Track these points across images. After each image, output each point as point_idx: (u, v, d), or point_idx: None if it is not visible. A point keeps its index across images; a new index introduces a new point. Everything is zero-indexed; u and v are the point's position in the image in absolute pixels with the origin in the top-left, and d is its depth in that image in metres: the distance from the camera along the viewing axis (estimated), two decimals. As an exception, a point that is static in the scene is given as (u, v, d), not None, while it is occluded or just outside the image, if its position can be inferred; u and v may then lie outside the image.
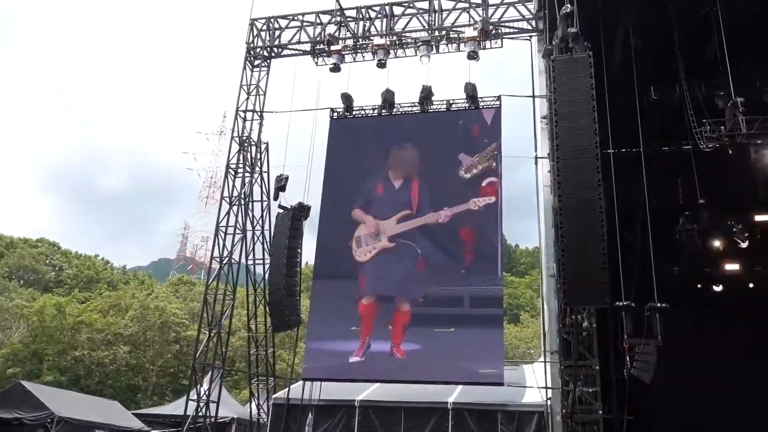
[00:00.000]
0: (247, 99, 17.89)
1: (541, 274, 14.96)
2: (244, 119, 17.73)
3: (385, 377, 14.52)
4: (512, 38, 15.88)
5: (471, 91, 15.58)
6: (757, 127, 11.76)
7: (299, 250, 16.28)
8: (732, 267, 15.95)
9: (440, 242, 14.50)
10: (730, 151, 11.88)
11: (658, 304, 12.74)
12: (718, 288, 16.41)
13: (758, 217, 14.48)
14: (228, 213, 16.99)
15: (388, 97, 16.28)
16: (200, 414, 15.73)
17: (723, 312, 16.17)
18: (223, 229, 16.90)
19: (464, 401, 14.81)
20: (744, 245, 14.73)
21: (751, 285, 16.48)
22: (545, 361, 14.54)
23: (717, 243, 14.90)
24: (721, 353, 15.96)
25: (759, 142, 11.78)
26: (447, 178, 15.13)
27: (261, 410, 17.58)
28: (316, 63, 17.66)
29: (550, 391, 14.31)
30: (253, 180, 17.54)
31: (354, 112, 16.87)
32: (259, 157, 17.71)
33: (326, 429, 15.23)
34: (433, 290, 14.35)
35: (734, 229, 14.51)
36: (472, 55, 15.29)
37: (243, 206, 17.18)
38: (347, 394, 15.41)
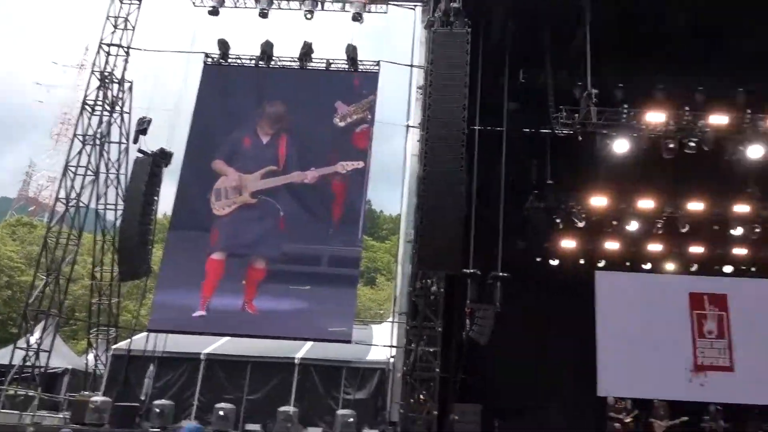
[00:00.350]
0: (113, 32, 16.60)
1: (399, 240, 15.38)
2: (108, 53, 16.46)
3: (233, 331, 14.36)
4: (398, 5, 15.92)
5: (352, 53, 15.57)
6: (605, 118, 12.72)
7: (156, 198, 15.61)
8: (568, 244, 17.41)
9: (305, 202, 14.41)
10: (580, 138, 12.76)
11: (501, 274, 13.65)
12: (555, 262, 17.81)
13: (594, 201, 15.85)
14: (80, 152, 15.79)
15: (267, 49, 15.91)
16: (28, 363, 14.58)
17: (556, 284, 17.61)
18: (73, 169, 15.69)
19: (311, 357, 15.03)
20: (581, 225, 16.13)
21: (581, 261, 18.07)
22: (393, 321, 15.15)
23: (558, 221, 16.13)
24: (552, 322, 17.49)
25: (605, 132, 12.75)
26: (319, 132, 15.02)
27: (99, 361, 16.63)
28: (194, 3, 16.59)
29: (393, 349, 14.98)
30: (112, 120, 16.41)
31: (230, 60, 16.21)
32: (120, 96, 16.57)
33: (168, 381, 14.82)
34: (293, 248, 14.34)
35: (574, 210, 15.82)
36: (357, 17, 15.32)
37: (98, 147, 15.98)
38: (193, 348, 15.05)
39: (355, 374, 15.40)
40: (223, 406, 13.73)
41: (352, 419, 13.73)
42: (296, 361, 14.89)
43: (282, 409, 13.78)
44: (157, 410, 13.59)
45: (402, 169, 14.10)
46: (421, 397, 14.29)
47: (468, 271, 13.75)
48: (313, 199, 14.52)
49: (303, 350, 15.21)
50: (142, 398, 14.45)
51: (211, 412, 13.81)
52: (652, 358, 17.49)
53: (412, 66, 14.70)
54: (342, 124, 14.64)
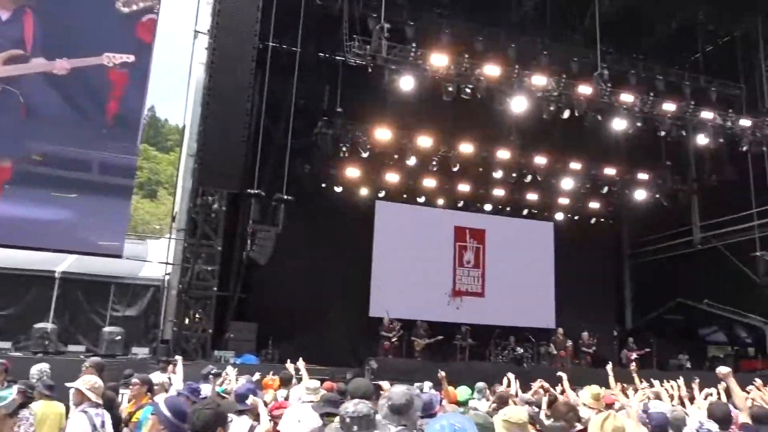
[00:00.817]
0: None
1: (181, 152, 14.65)
2: None
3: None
4: None
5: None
6: (394, 54, 13.19)
7: None
8: (352, 172, 18.08)
9: (70, 97, 12.44)
10: (370, 70, 13.12)
11: (285, 196, 13.78)
12: (339, 189, 18.44)
13: (379, 133, 16.55)
14: None
15: None
16: None
17: (339, 210, 18.31)
18: None
19: (75, 271, 13.93)
20: (365, 155, 16.81)
21: (364, 190, 18.93)
22: (171, 238, 14.62)
23: (344, 149, 16.62)
24: (332, 247, 18.22)
25: (393, 67, 13.26)
26: (86, 14, 12.50)
27: None
28: None
29: (170, 266, 14.53)
30: None
31: None
32: None
33: None
34: (57, 150, 12.48)
35: (360, 140, 16.41)
36: None
37: None
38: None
39: (126, 291, 14.66)
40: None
41: (119, 337, 13.11)
42: (56, 275, 13.72)
43: (38, 325, 12.68)
44: None
45: (188, 78, 13.22)
46: (197, 315, 14.19)
47: (252, 191, 13.66)
48: (80, 93, 12.40)
49: (65, 263, 14.00)
50: None
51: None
52: (419, 284, 19.22)
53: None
54: (126, 10, 12.40)
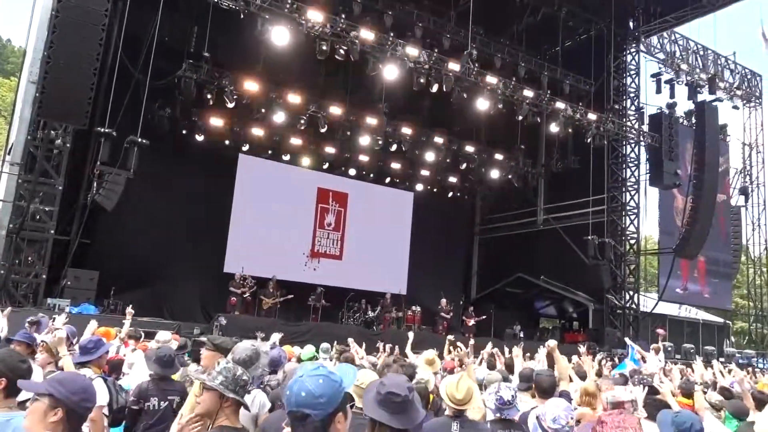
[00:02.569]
0: None
1: (19, 78, 13.20)
2: None
3: None
4: None
5: None
6: (269, 2, 12.70)
7: None
8: (216, 122, 17.35)
9: None
10: (242, 15, 12.57)
11: (139, 139, 12.94)
12: (200, 138, 17.62)
13: (247, 85, 15.96)
14: None
15: None
16: None
17: (199, 160, 17.53)
18: None
19: None
20: (231, 105, 16.16)
21: (227, 141, 18.29)
22: (2, 172, 13.23)
23: (210, 97, 15.84)
24: (189, 197, 17.48)
25: (267, 17, 12.79)
26: None
27: None
28: None
29: (0, 203, 13.18)
30: None
31: None
32: None
33: None
34: None
35: (227, 89, 15.70)
36: None
37: None
38: None
39: (-61, 229, 13.13)
40: None
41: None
42: None
43: None
44: None
45: (33, -2, 11.80)
46: (29, 258, 13.02)
47: (102, 129, 12.68)
48: None
49: None
50: None
51: None
52: (277, 242, 19.06)
53: None
54: None
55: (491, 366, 7.05)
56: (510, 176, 21.88)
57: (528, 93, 17.49)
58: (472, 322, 18.40)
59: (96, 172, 12.98)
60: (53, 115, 11.33)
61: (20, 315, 8.31)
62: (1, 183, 12.93)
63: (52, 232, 13.04)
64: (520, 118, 17.76)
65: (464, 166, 21.26)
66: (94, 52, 10.18)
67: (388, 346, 9.85)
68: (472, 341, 9.14)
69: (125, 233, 16.29)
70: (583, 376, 6.16)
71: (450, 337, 9.73)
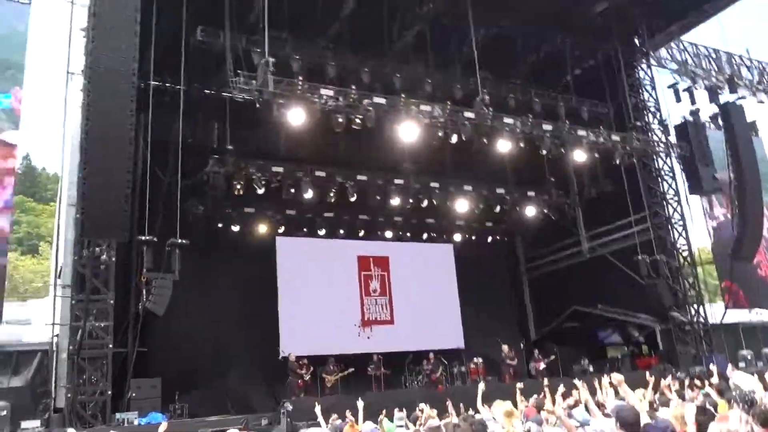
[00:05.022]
0: None
1: (59, 202, 13.74)
2: None
3: None
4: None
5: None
6: (281, 88, 13.17)
7: None
8: (249, 210, 17.75)
9: None
10: (258, 105, 13.00)
11: (179, 240, 13.22)
12: (236, 228, 17.99)
13: (274, 168, 16.41)
14: None
15: None
16: None
17: (238, 250, 17.83)
18: None
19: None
20: (260, 191, 16.55)
21: (262, 227, 18.58)
22: (56, 296, 13.60)
23: (238, 187, 16.27)
24: (234, 289, 17.69)
25: (281, 101, 13.20)
26: None
27: None
28: None
29: (57, 327, 13.48)
30: None
31: None
32: None
33: None
34: None
35: (254, 176, 16.15)
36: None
37: None
38: None
39: (8, 359, 13.48)
40: None
41: (5, 412, 11.98)
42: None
43: None
44: None
45: (63, 122, 12.43)
46: (92, 377, 13.16)
47: (143, 237, 13.03)
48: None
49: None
50: None
51: None
52: (328, 317, 19.02)
53: (73, 2, 12.98)
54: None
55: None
56: (545, 210, 21.63)
57: (547, 126, 17.48)
58: (542, 366, 17.72)
59: (143, 280, 13.23)
60: (95, 234, 11.69)
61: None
62: (58, 307, 13.24)
63: (111, 346, 13.18)
64: (544, 152, 17.69)
65: (498, 209, 21.12)
66: (126, 166, 10.56)
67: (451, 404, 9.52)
68: (546, 381, 8.85)
69: (179, 336, 16.45)
70: (665, 403, 5.85)
71: (519, 384, 9.39)
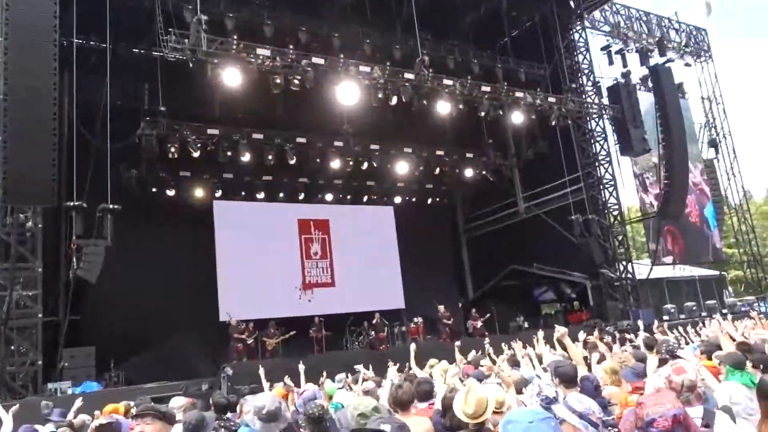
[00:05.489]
0: None
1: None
2: None
3: None
4: None
5: None
6: (215, 47, 12.72)
7: None
8: (184, 173, 17.27)
9: None
10: (191, 65, 12.54)
11: (111, 206, 12.78)
12: (171, 192, 17.49)
13: (210, 130, 15.94)
14: None
15: None
16: None
17: (174, 214, 17.38)
18: None
19: None
20: (196, 154, 16.09)
21: (200, 192, 18.16)
22: (-24, 264, 12.95)
23: (173, 150, 15.76)
24: (171, 253, 17.28)
25: (216, 61, 12.79)
26: None
27: None
28: None
29: (-18, 297, 12.88)
30: None
31: None
32: None
33: None
34: None
35: (188, 139, 15.65)
36: None
37: None
38: None
39: (-71, 332, 12.80)
40: None
41: (-76, 386, 11.43)
42: None
43: None
44: None
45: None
46: (21, 347, 12.72)
47: (71, 203, 12.51)
48: None
49: None
50: None
51: None
52: (268, 281, 18.89)
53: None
54: None
55: (515, 363, 6.89)
56: (484, 172, 21.98)
57: (486, 88, 17.63)
58: (479, 324, 18.25)
59: (73, 247, 12.76)
60: (19, 199, 11.16)
61: (26, 408, 8.08)
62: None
63: (40, 315, 12.76)
64: (483, 114, 17.88)
65: (438, 170, 21.32)
66: (49, 127, 10.05)
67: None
68: (487, 341, 9.07)
69: (114, 303, 15.99)
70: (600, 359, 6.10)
71: (457, 343, 9.59)
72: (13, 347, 12.50)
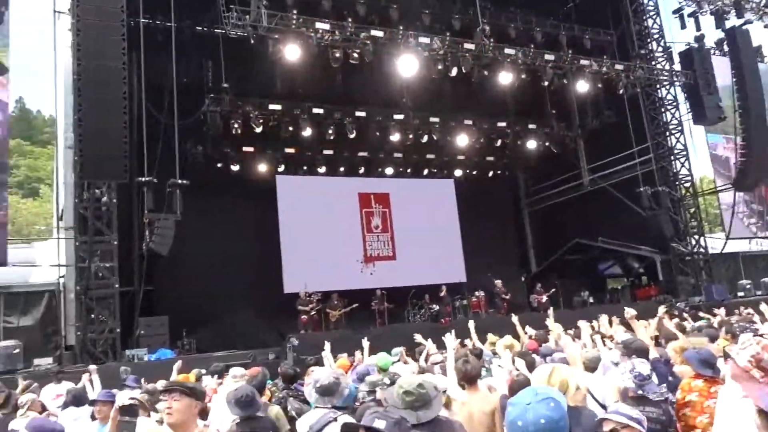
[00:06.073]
0: None
1: (56, 145, 13.65)
2: None
3: None
4: None
5: None
6: (275, 23, 12.82)
7: None
8: (248, 149, 17.64)
9: None
10: (252, 41, 12.70)
11: (179, 181, 13.24)
12: (236, 167, 17.93)
13: (271, 106, 16.18)
14: None
15: None
16: None
17: (238, 189, 17.84)
18: None
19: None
20: (258, 130, 16.39)
21: (262, 165, 18.53)
22: (59, 238, 13.73)
23: (236, 126, 16.12)
24: (236, 227, 17.79)
25: (276, 36, 12.90)
26: None
27: None
28: None
29: (63, 268, 13.67)
30: None
31: None
32: None
33: None
34: None
35: (251, 115, 15.95)
36: None
37: None
38: None
39: (17, 300, 13.73)
40: None
41: (17, 350, 12.25)
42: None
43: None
44: None
45: (54, 63, 12.15)
46: (100, 316, 13.45)
47: (143, 179, 13.03)
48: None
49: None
50: None
51: None
52: (330, 254, 19.18)
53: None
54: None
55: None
56: (547, 144, 21.45)
57: (549, 57, 17.11)
58: (544, 298, 17.97)
59: (145, 221, 13.31)
60: (94, 175, 11.69)
61: (105, 371, 8.62)
62: (62, 249, 13.37)
63: (117, 286, 13.41)
64: (546, 83, 17.38)
65: (499, 143, 20.96)
66: (120, 106, 10.45)
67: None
68: (551, 314, 8.88)
69: (185, 274, 16.63)
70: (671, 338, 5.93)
71: (515, 317, 9.41)
72: (92, 315, 13.21)
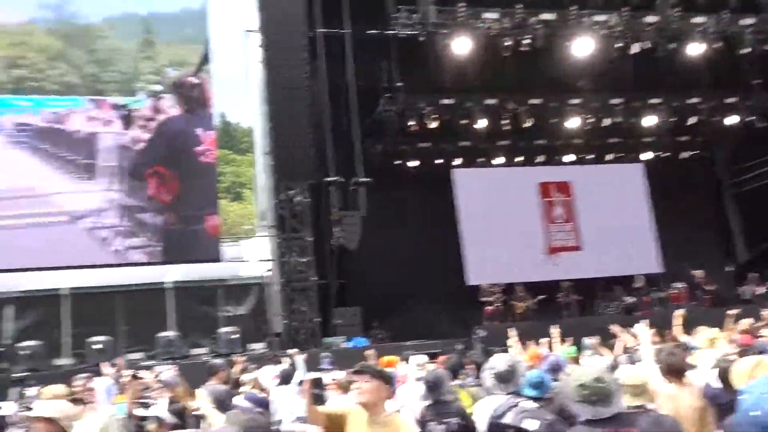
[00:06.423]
0: None
1: (254, 152, 15.27)
2: None
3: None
4: None
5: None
6: (443, 18, 13.14)
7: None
8: (423, 144, 18.18)
9: None
10: (422, 38, 13.12)
11: (363, 179, 14.11)
12: (413, 163, 18.58)
13: (444, 101, 16.50)
14: None
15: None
16: None
17: (417, 184, 18.46)
18: None
19: (182, 280, 14.93)
20: (433, 125, 16.82)
21: (438, 160, 18.96)
22: (263, 236, 15.34)
23: (412, 123, 16.72)
24: (417, 221, 18.42)
25: (445, 31, 13.19)
26: None
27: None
28: None
29: (269, 262, 15.23)
30: None
31: None
32: None
33: (30, 321, 14.16)
34: None
35: (425, 111, 16.42)
36: None
37: None
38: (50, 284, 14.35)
39: (232, 292, 15.56)
40: (97, 339, 13.26)
41: (236, 335, 13.84)
42: (166, 285, 14.76)
43: (161, 334, 13.63)
44: (25, 352, 13.03)
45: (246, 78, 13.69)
46: (301, 306, 14.74)
47: (329, 179, 14.07)
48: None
49: (171, 274, 15.02)
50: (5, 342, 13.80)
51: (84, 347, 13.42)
52: (512, 246, 18.99)
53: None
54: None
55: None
56: (750, 117, 19.18)
57: (748, 20, 15.34)
58: (763, 290, 16.04)
59: (334, 218, 14.37)
60: (287, 178, 12.90)
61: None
62: (267, 246, 14.91)
63: (314, 279, 14.64)
64: (745, 51, 15.59)
65: (692, 120, 19.17)
66: (306, 113, 11.47)
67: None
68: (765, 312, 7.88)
69: (373, 267, 17.40)
70: None
71: (730, 312, 8.48)
72: (293, 306, 14.56)
